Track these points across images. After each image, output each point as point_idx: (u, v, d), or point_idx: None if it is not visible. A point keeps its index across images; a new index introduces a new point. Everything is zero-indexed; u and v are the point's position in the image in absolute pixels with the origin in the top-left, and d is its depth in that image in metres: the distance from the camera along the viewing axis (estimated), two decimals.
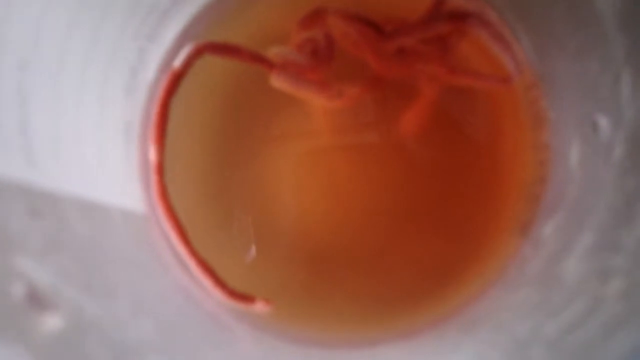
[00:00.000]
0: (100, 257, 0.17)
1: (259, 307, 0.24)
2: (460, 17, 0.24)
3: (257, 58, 0.25)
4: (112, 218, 0.20)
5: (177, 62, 0.25)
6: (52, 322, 0.12)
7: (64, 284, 0.14)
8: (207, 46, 0.25)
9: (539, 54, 0.23)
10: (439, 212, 0.25)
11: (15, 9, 0.16)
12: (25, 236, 0.14)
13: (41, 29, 0.17)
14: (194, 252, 0.24)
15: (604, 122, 0.19)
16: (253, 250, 0.25)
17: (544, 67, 0.23)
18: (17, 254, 0.13)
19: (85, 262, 0.16)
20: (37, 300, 0.12)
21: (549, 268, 0.18)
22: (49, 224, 0.15)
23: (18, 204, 0.15)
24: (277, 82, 0.25)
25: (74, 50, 0.19)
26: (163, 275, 0.22)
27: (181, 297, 0.22)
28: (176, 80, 0.25)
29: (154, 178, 0.24)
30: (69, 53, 0.19)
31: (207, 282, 0.24)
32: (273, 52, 0.25)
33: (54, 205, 0.16)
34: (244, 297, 0.24)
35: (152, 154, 0.24)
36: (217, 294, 0.24)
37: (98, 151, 0.21)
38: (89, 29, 0.19)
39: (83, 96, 0.20)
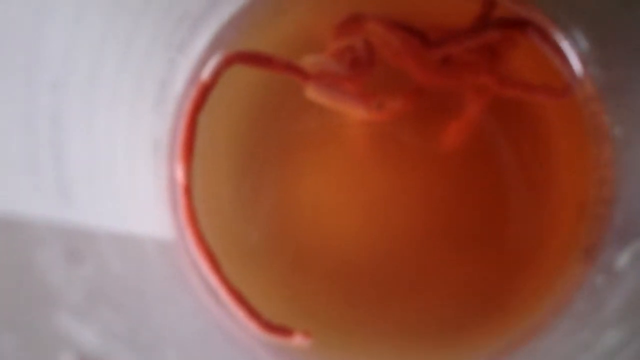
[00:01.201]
0: (140, 301, 0.15)
1: (298, 340, 0.22)
2: (514, 25, 0.22)
3: (291, 68, 0.23)
4: (145, 251, 0.18)
5: (206, 74, 0.23)
6: None
7: (111, 343, 0.12)
8: (237, 56, 0.23)
9: (603, 64, 0.21)
10: (488, 233, 0.24)
11: (47, 24, 0.14)
12: (66, 287, 0.12)
13: (74, 43, 0.15)
14: (225, 281, 0.22)
15: None
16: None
17: (608, 79, 0.21)
18: (60, 311, 0.11)
19: (127, 311, 0.14)
20: None
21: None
22: (88, 268, 0.13)
23: (57, 248, 0.13)
24: (313, 93, 0.23)
25: (106, 64, 0.17)
26: (199, 311, 0.20)
27: (218, 334, 0.20)
28: (205, 93, 0.23)
29: (182, 200, 0.22)
30: (101, 68, 0.17)
31: (240, 313, 0.22)
32: (308, 62, 0.23)
33: (91, 243, 0.14)
34: (281, 330, 0.22)
35: (180, 174, 0.22)
36: (251, 326, 0.22)
37: (128, 174, 0.19)
38: (121, 41, 0.17)
39: (114, 114, 0.18)
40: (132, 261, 0.16)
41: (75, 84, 0.15)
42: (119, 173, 0.17)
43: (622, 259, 0.19)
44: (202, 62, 0.23)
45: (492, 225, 0.24)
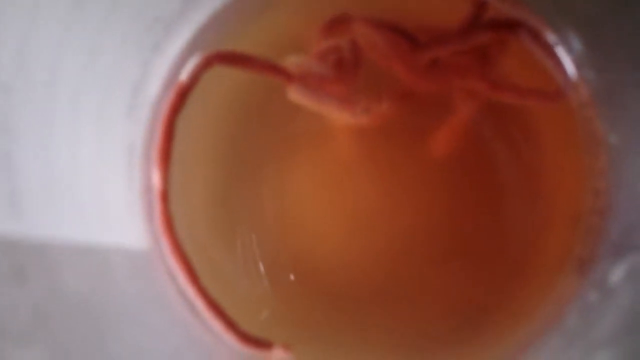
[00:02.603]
0: (100, 321, 0.14)
1: (277, 353, 0.21)
2: (506, 26, 0.21)
3: (273, 69, 0.22)
4: (111, 263, 0.17)
5: (184, 75, 0.22)
6: None
7: None
8: (216, 56, 0.22)
9: (598, 67, 0.20)
10: (477, 243, 0.23)
11: None
12: (9, 312, 0.11)
13: (28, 42, 0.14)
14: (202, 292, 0.21)
15: None
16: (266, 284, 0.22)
17: (603, 83, 0.20)
18: (2, 338, 0.10)
19: (82, 336, 0.13)
20: None
21: (635, 327, 0.16)
22: (38, 287, 0.12)
23: (1, 266, 0.12)
24: (296, 95, 0.22)
25: (68, 66, 0.16)
26: (172, 326, 0.19)
27: (191, 351, 0.19)
28: (183, 96, 0.22)
29: (158, 207, 0.21)
30: (62, 70, 0.16)
31: (217, 325, 0.21)
32: (291, 62, 0.22)
33: (44, 259, 0.13)
34: (260, 343, 0.21)
35: (156, 179, 0.21)
36: (229, 339, 0.21)
37: (96, 182, 0.18)
38: (85, 42, 0.16)
39: (79, 119, 0.17)
40: (93, 273, 0.15)
41: (29, 88, 0.14)
42: (82, 181, 0.16)
43: (616, 274, 0.18)
44: (180, 64, 0.22)
45: (484, 234, 0.23)
